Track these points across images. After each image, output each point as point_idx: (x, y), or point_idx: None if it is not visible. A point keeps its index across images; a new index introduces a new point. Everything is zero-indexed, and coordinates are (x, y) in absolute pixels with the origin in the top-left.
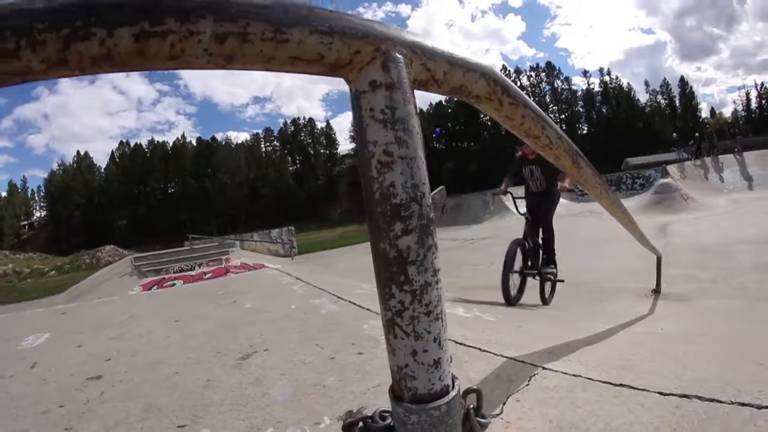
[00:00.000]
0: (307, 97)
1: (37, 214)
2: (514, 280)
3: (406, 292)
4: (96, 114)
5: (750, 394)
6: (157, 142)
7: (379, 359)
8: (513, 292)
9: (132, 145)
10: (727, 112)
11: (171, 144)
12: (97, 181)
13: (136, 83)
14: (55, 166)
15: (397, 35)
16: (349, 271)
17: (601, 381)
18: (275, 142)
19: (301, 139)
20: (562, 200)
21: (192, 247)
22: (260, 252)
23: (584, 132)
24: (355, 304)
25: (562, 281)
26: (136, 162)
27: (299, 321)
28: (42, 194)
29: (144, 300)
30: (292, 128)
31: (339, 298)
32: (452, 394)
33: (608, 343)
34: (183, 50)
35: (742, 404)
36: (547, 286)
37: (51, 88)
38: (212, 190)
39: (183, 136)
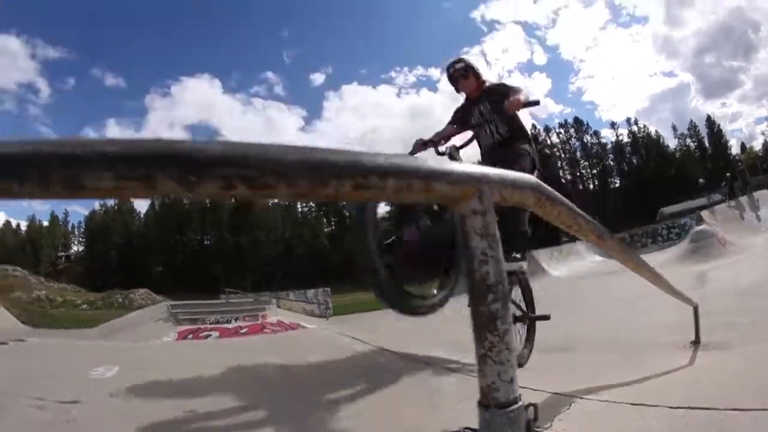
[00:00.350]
0: None
1: (75, 248)
2: None
3: (495, 335)
4: None
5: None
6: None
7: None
8: None
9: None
10: (757, 145)
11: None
12: (136, 225)
13: (178, 134)
14: (96, 206)
15: (485, 177)
16: (394, 334)
17: (625, 402)
18: (311, 204)
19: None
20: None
21: (228, 301)
22: (295, 311)
23: (617, 185)
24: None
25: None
26: (175, 211)
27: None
28: (82, 230)
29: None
30: None
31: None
32: (519, 403)
33: (639, 382)
34: (375, 194)
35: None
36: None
37: (98, 131)
38: (248, 245)
39: None
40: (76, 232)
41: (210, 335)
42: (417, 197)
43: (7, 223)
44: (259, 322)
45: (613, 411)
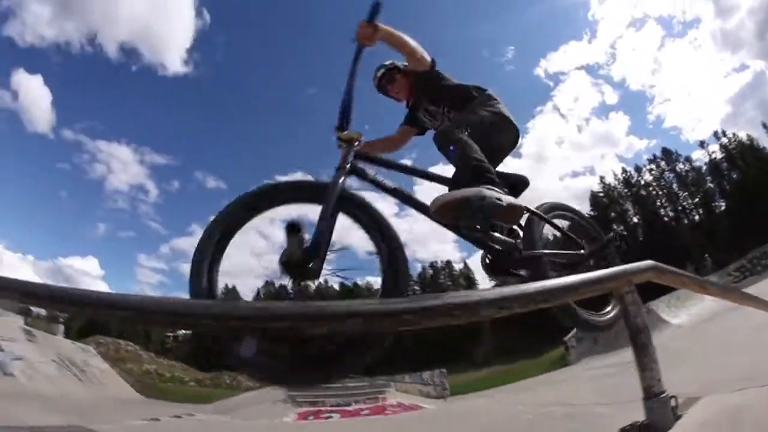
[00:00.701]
0: (440, 240)
1: (181, 332)
2: None
3: (649, 352)
4: (246, 253)
5: None
6: None
7: None
8: None
9: (277, 285)
10: None
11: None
12: None
13: (278, 229)
14: None
15: (630, 272)
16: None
17: None
18: (415, 287)
19: (441, 282)
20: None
21: (344, 384)
22: (411, 393)
23: (722, 208)
24: None
25: None
26: None
27: None
28: None
29: None
30: (431, 272)
31: None
32: (665, 393)
33: None
34: None
35: None
36: None
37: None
38: None
39: (325, 281)
40: None
41: (331, 417)
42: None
43: None
44: (379, 404)
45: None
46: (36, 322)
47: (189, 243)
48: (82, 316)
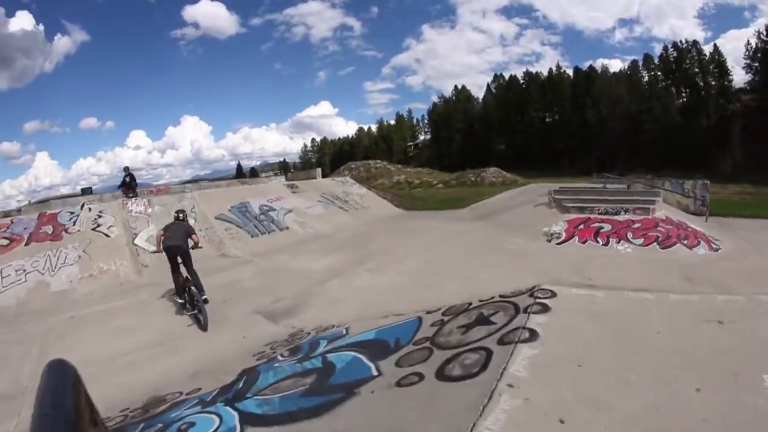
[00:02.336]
0: (679, 14)
1: (421, 137)
2: None
3: None
4: (463, 53)
5: None
6: (533, 73)
7: None
8: None
9: (507, 77)
10: None
11: (546, 74)
12: (475, 109)
13: (494, 21)
14: (435, 99)
15: None
16: None
17: None
18: (656, 71)
19: (686, 67)
20: None
21: (605, 187)
22: (669, 203)
23: None
24: None
25: None
26: (513, 92)
27: None
28: (425, 122)
29: None
30: (675, 54)
31: None
32: None
33: None
34: None
35: None
36: None
37: (418, 38)
38: (592, 121)
39: (558, 66)
40: (420, 124)
41: (602, 227)
42: None
43: (360, 129)
44: (650, 217)
45: None
46: (296, 174)
47: (406, 57)
48: None
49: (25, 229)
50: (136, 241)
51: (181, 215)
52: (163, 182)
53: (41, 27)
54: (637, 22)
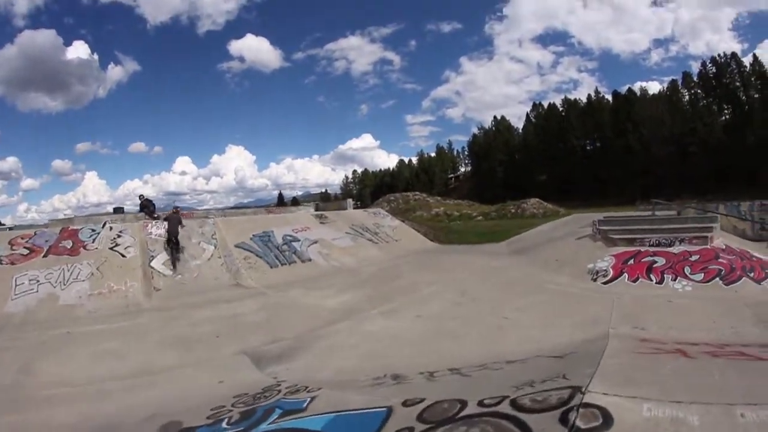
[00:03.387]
0: (713, 28)
1: (462, 169)
2: None
3: None
4: (501, 84)
5: None
6: (572, 99)
7: None
8: None
9: (546, 105)
10: None
11: (584, 101)
12: (515, 140)
13: (530, 50)
14: (475, 130)
15: None
16: None
17: None
18: (696, 89)
19: (726, 82)
20: None
21: (654, 215)
22: (723, 228)
23: None
24: None
25: None
26: (553, 120)
27: None
28: (465, 153)
29: None
30: (714, 69)
31: None
32: None
33: None
34: None
35: None
36: None
37: (456, 70)
38: (634, 146)
39: (596, 91)
40: (461, 156)
41: (655, 262)
42: None
43: (401, 161)
44: (709, 247)
45: None
46: (328, 205)
47: (445, 90)
48: None
49: (46, 241)
50: (152, 264)
51: (175, 210)
52: (205, 208)
53: (96, 56)
54: (672, 40)
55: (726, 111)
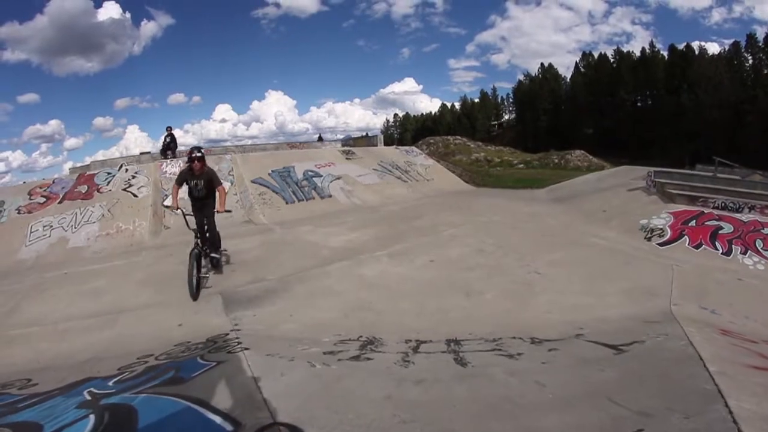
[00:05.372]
0: None
1: (506, 117)
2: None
3: None
4: (549, 31)
5: None
6: (625, 51)
7: None
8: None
9: (596, 56)
10: None
11: (638, 54)
12: (562, 90)
13: None
14: (521, 77)
15: None
16: None
17: None
18: (761, 54)
19: None
20: None
21: (716, 176)
22: None
23: None
24: None
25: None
26: (603, 72)
27: None
28: (510, 100)
29: None
30: None
31: None
32: None
33: None
34: None
35: None
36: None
37: (502, 15)
38: (689, 107)
39: (652, 45)
40: (505, 103)
41: (721, 228)
42: None
43: (443, 106)
44: None
45: None
46: (357, 141)
47: (491, 35)
48: None
49: (63, 188)
50: (165, 203)
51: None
52: (225, 145)
53: (128, 14)
54: (736, 0)
55: None
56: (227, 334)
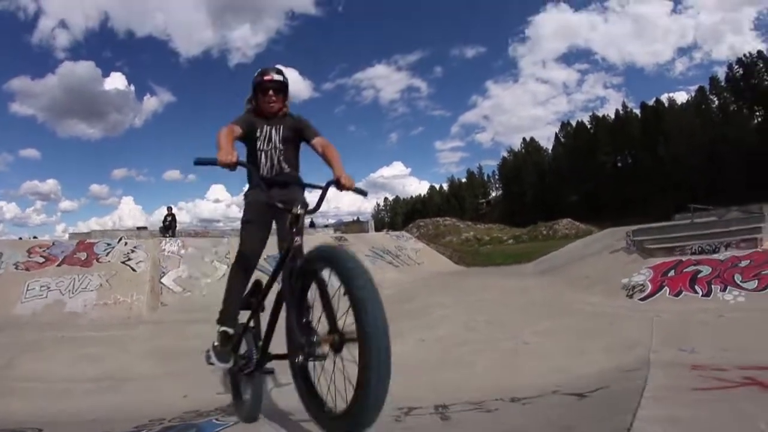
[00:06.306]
0: (734, 29)
1: (493, 194)
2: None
3: None
4: (528, 106)
5: None
6: (600, 116)
7: None
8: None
9: (574, 124)
10: None
11: (613, 116)
12: (545, 161)
13: (554, 70)
14: (504, 154)
15: None
16: None
17: None
18: (725, 93)
19: (755, 83)
20: None
21: (693, 222)
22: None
23: None
24: None
25: None
26: (582, 139)
27: None
28: (496, 177)
29: None
30: (741, 71)
31: None
32: None
33: None
34: None
35: None
36: None
37: (483, 94)
38: (666, 159)
39: (624, 106)
40: (492, 180)
41: (699, 271)
42: None
43: (432, 187)
44: (760, 250)
45: None
46: (349, 227)
47: (473, 115)
48: None
49: (62, 252)
50: (163, 280)
51: None
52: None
53: (132, 87)
54: (695, 47)
55: (758, 112)
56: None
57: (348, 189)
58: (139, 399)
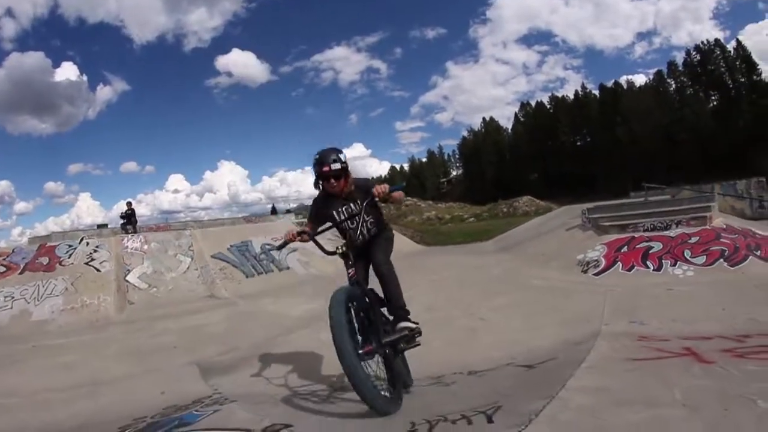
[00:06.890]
0: (694, 18)
1: (453, 173)
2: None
3: None
4: (488, 86)
5: None
6: (560, 96)
7: None
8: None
9: (533, 104)
10: None
11: (572, 97)
12: (505, 140)
13: (515, 51)
14: (464, 133)
15: None
16: None
17: None
18: (682, 78)
19: (712, 68)
20: None
21: (646, 200)
22: (722, 209)
23: None
24: None
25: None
26: (541, 119)
27: None
28: (456, 156)
29: None
30: (698, 57)
31: None
32: None
33: None
34: None
35: None
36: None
37: (443, 75)
38: (624, 139)
39: (583, 87)
40: (452, 160)
41: (651, 247)
42: None
43: (393, 168)
44: (709, 227)
45: None
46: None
47: (433, 95)
48: None
49: (23, 258)
50: (128, 278)
51: None
52: (184, 221)
53: (84, 77)
54: (654, 33)
55: (713, 97)
56: (211, 396)
57: (383, 195)
58: (119, 401)
